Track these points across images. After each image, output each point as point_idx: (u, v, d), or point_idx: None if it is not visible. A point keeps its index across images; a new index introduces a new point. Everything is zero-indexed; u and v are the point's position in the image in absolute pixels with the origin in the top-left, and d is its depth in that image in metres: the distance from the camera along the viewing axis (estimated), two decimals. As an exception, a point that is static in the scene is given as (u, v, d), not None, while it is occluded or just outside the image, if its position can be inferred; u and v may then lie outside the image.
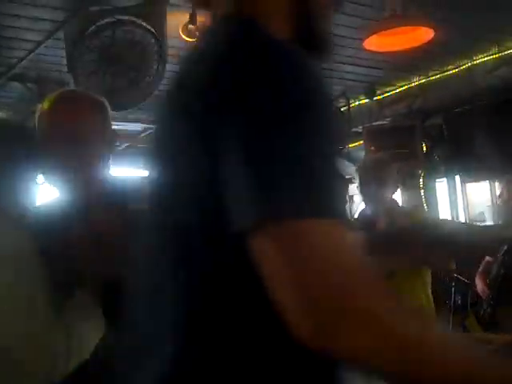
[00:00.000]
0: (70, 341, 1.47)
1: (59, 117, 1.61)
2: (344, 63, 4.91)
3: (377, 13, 3.65)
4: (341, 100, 5.80)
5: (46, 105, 1.64)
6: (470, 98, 5.23)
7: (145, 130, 5.78)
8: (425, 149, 5.68)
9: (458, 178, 5.89)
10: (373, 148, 5.64)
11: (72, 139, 1.57)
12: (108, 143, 1.67)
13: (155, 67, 3.51)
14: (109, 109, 1.70)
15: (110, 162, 1.69)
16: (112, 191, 1.65)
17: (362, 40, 3.98)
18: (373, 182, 3.10)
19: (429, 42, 3.97)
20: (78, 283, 1.52)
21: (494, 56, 4.90)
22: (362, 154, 5.88)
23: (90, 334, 1.50)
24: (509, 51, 4.82)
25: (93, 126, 1.63)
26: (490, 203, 6.06)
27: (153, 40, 3.48)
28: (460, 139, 5.33)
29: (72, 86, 3.70)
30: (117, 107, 3.71)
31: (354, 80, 5.39)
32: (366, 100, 5.80)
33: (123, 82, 3.52)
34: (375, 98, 5.72)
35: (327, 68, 4.92)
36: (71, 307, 1.52)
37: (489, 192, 5.90)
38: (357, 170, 3.27)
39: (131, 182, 1.74)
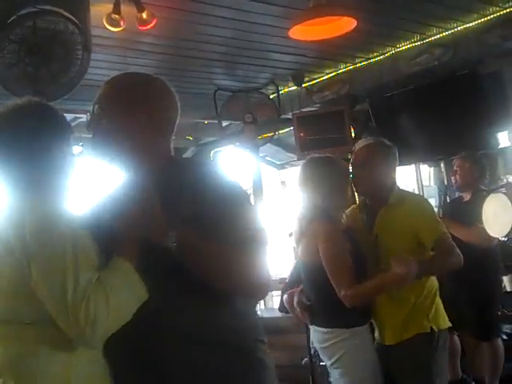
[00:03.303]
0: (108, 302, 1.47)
1: None
2: (271, 51, 4.96)
3: (302, 2, 3.70)
4: (270, 87, 5.86)
5: None
6: (395, 84, 5.37)
7: (73, 119, 5.68)
8: (353, 134, 5.80)
9: (385, 161, 6.03)
10: (302, 134, 5.73)
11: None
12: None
13: (79, 58, 3.46)
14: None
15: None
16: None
17: (287, 29, 4.03)
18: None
19: (353, 31, 4.06)
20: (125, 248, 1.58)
21: (417, 44, 5.05)
22: (292, 140, 5.97)
23: (129, 297, 1.52)
24: (430, 39, 4.97)
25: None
26: (415, 186, 6.27)
27: (76, 30, 3.42)
28: (386, 124, 5.46)
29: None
30: (41, 99, 3.64)
31: (282, 68, 5.45)
32: (295, 87, 5.87)
33: (47, 73, 3.45)
34: (304, 85, 5.80)
35: (255, 56, 4.98)
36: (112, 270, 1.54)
37: (414, 175, 6.09)
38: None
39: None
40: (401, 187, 3.17)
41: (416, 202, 3.06)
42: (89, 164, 1.91)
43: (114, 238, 1.56)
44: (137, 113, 1.70)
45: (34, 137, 1.68)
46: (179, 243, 1.53)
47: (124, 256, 1.54)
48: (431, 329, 2.83)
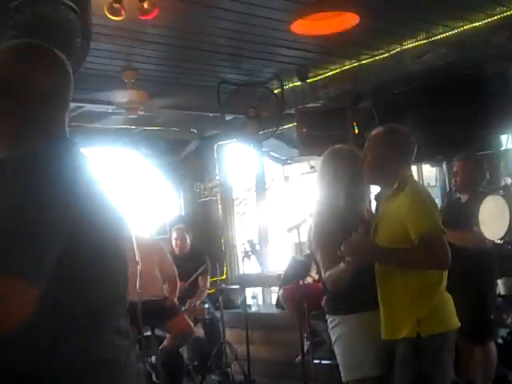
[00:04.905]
0: None
1: None
2: (276, 45, 4.94)
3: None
4: (274, 82, 5.84)
5: None
6: (399, 82, 5.33)
7: (75, 108, 5.68)
8: (356, 131, 5.77)
9: (387, 160, 5.99)
10: (305, 130, 5.71)
11: None
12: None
13: (78, 46, 3.45)
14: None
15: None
16: None
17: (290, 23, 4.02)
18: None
19: (358, 27, 4.04)
20: None
21: (422, 42, 5.01)
22: (295, 135, 5.94)
23: None
24: (436, 37, 4.93)
25: None
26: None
27: (77, 18, 3.41)
28: (389, 122, 5.42)
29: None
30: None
31: (287, 62, 5.42)
32: (299, 82, 5.85)
33: (46, 60, 3.44)
34: (308, 81, 5.77)
35: (260, 50, 4.96)
36: None
37: (416, 174, 6.04)
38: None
39: None
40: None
41: (412, 191, 2.81)
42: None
43: None
44: None
45: None
46: None
47: None
48: (418, 335, 2.64)
